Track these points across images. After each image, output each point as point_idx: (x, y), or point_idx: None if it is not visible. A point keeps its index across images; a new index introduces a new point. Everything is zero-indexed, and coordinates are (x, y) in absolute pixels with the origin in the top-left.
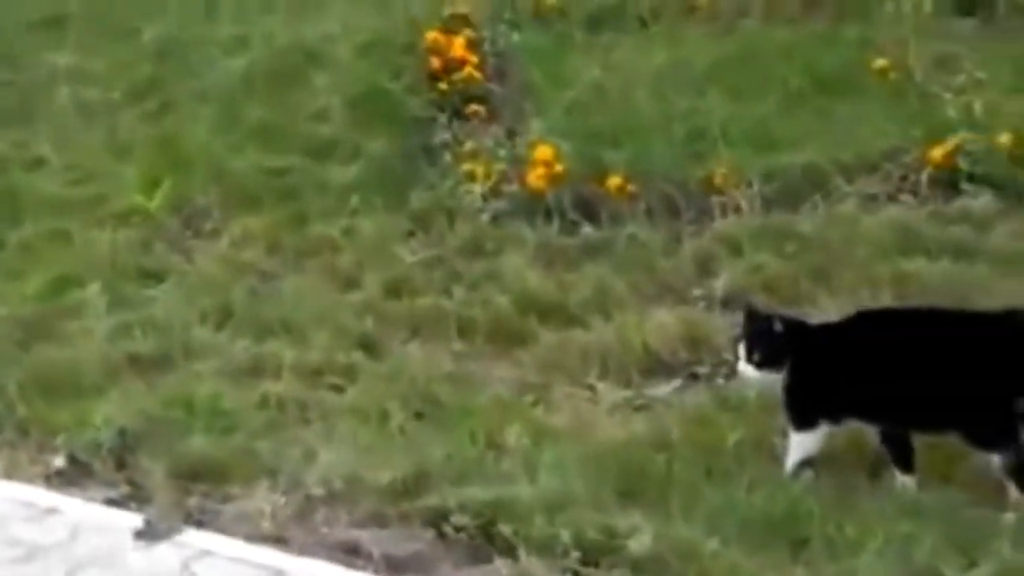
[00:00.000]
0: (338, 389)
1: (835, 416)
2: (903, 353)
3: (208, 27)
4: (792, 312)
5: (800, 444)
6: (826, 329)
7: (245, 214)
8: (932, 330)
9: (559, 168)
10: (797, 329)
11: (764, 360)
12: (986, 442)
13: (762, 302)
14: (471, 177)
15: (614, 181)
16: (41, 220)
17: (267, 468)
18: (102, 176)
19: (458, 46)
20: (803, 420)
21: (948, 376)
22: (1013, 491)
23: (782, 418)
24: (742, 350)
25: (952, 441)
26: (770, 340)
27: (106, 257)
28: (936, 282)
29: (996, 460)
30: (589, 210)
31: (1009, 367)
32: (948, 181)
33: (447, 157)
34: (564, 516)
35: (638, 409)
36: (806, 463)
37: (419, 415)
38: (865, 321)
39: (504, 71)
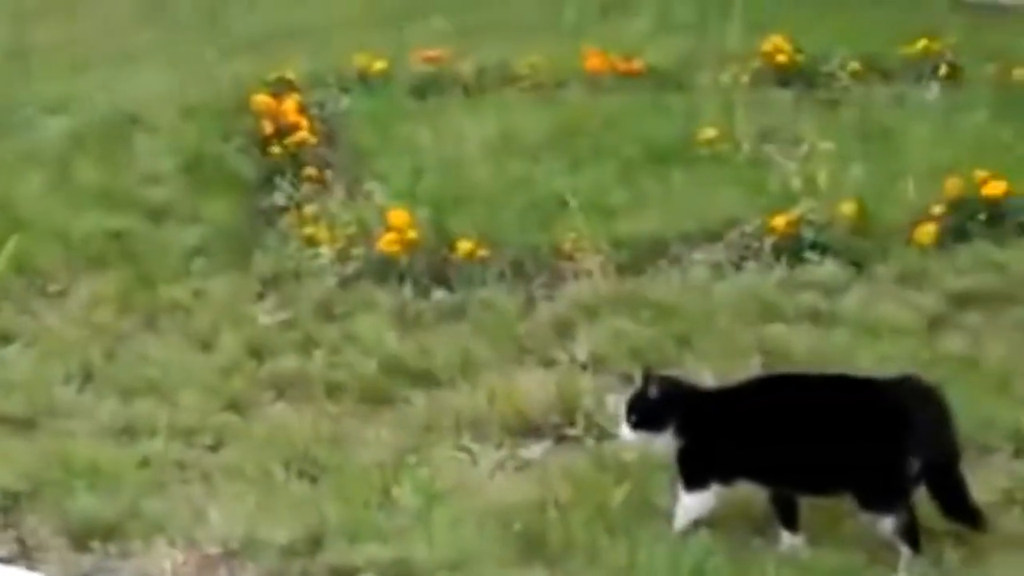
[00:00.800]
0: (213, 449)
1: (727, 477)
2: (795, 417)
3: (24, 88)
4: (686, 377)
5: (691, 504)
6: (721, 393)
7: (91, 275)
8: (824, 395)
9: (412, 233)
10: (686, 393)
11: (639, 423)
12: (877, 505)
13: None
14: (313, 240)
15: (464, 246)
16: None
17: (158, 527)
18: None
19: (290, 110)
20: (695, 481)
21: (839, 440)
22: (905, 552)
23: (672, 478)
24: (623, 412)
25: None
26: (646, 404)
27: None
28: (799, 348)
29: (887, 522)
30: (440, 274)
31: (900, 432)
32: (790, 250)
33: (287, 220)
34: (468, 574)
35: (518, 470)
36: (694, 523)
37: (302, 475)
38: (760, 385)
39: (334, 135)
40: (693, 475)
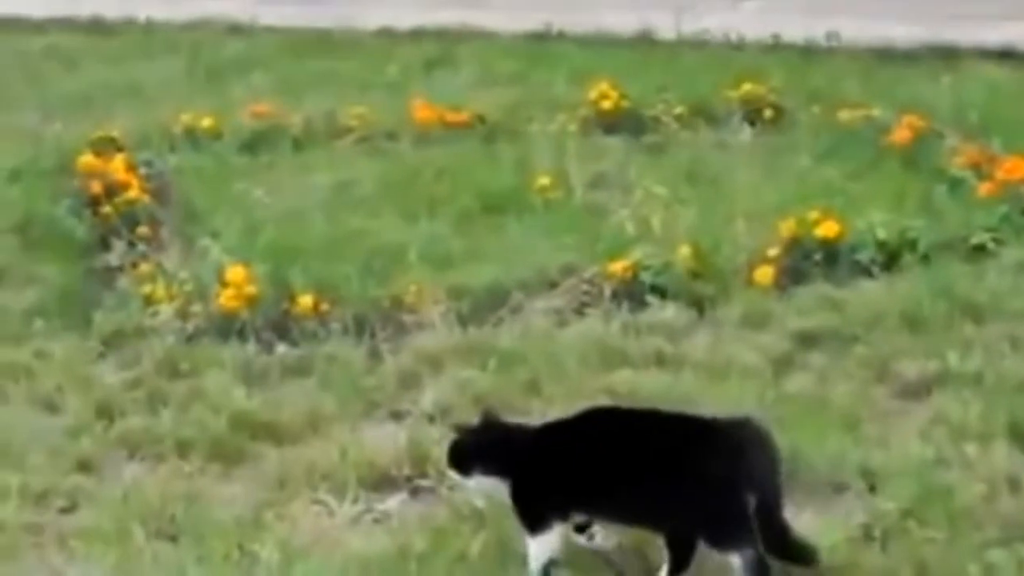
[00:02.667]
0: (67, 512)
1: (565, 513)
2: (622, 448)
3: None
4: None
5: (538, 548)
6: (551, 429)
7: None
8: (654, 427)
9: (251, 289)
10: (509, 432)
11: (454, 467)
12: (724, 542)
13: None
14: (152, 299)
15: (305, 300)
16: None
17: None
18: None
19: (118, 168)
20: (535, 522)
21: (681, 477)
22: None
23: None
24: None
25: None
26: (456, 448)
27: None
28: (647, 392)
29: (736, 561)
30: (281, 329)
31: (741, 470)
32: (630, 295)
33: (123, 280)
34: None
35: (376, 522)
36: (548, 569)
37: (160, 535)
38: (590, 419)
39: (164, 193)
40: (531, 516)
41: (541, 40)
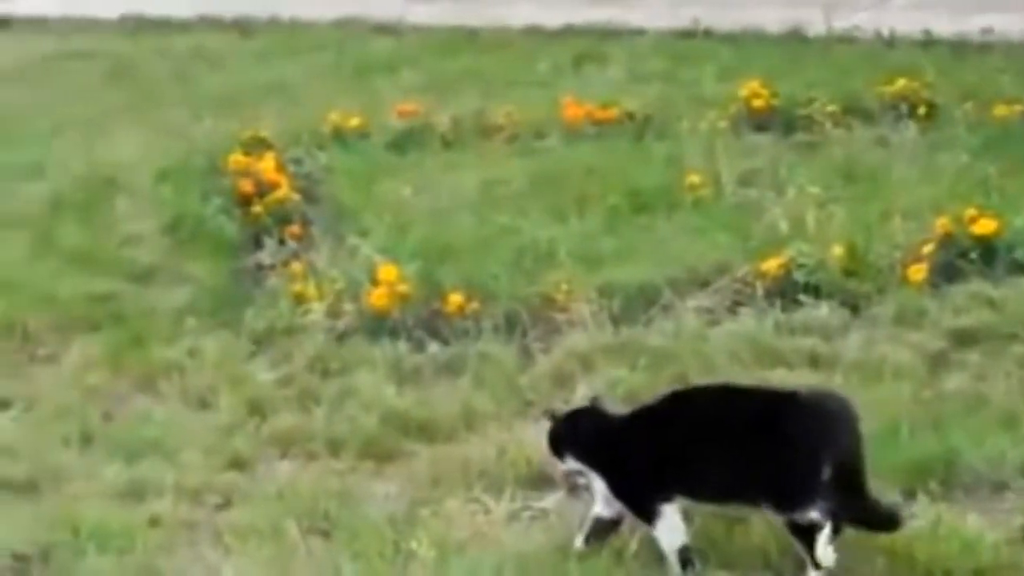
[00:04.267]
0: (222, 508)
1: (667, 496)
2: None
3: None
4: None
5: (665, 534)
6: (637, 416)
7: (80, 339)
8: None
9: (401, 287)
10: (597, 423)
11: (552, 450)
12: (791, 508)
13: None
14: (303, 297)
15: (456, 299)
16: None
17: None
18: None
19: (268, 168)
20: (645, 512)
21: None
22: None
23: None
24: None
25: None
26: (551, 434)
27: None
28: None
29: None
30: (432, 328)
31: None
32: (782, 293)
33: (273, 278)
34: None
35: (532, 520)
36: (687, 552)
37: (314, 531)
38: (674, 401)
39: (313, 192)
40: (637, 507)
41: (689, 37)
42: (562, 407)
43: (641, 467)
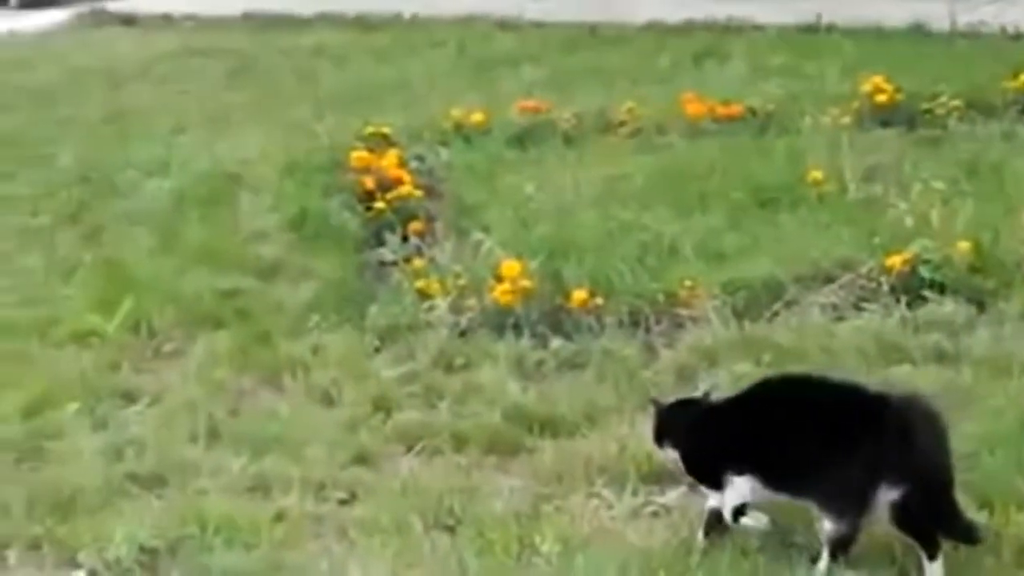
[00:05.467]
0: (347, 503)
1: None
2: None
3: (124, 151)
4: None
5: (728, 496)
6: (724, 401)
7: (206, 334)
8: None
9: (525, 283)
10: (686, 408)
11: (654, 440)
12: (828, 507)
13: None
14: (426, 293)
15: (579, 295)
16: None
17: None
18: (48, 298)
19: (391, 164)
20: (711, 481)
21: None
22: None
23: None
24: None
25: None
26: (653, 423)
27: (76, 378)
28: (926, 389)
29: (827, 527)
30: (555, 323)
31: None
32: (908, 289)
33: (397, 274)
34: None
35: (655, 515)
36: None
37: (439, 526)
38: (759, 389)
39: (435, 188)
40: (703, 477)
41: (812, 32)
42: (666, 398)
43: (712, 443)
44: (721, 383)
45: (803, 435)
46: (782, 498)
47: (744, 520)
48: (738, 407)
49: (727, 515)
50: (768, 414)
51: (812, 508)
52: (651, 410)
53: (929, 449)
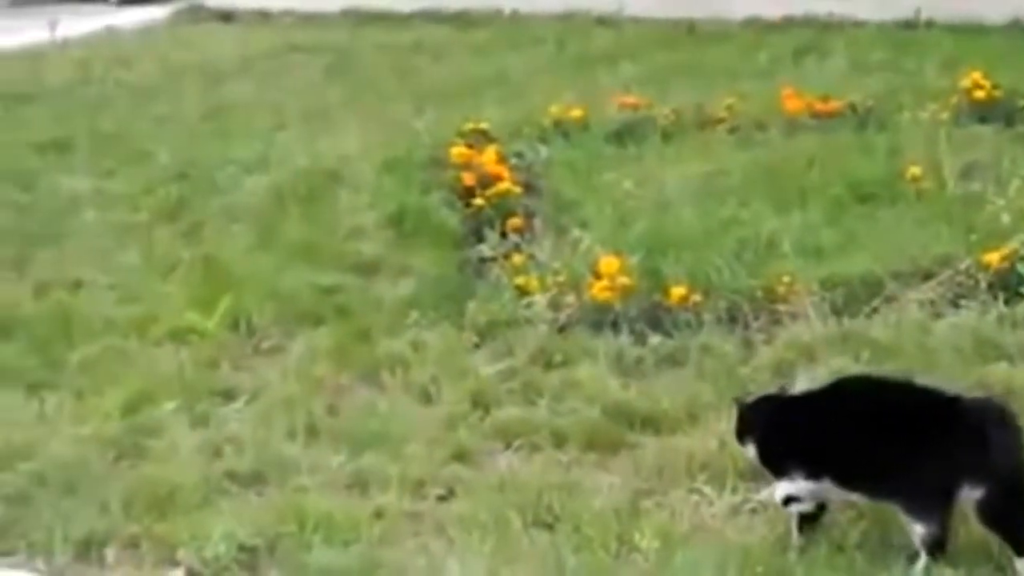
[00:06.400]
0: (445, 500)
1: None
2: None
3: (223, 147)
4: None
5: (783, 487)
6: (799, 397)
7: (305, 331)
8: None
9: (624, 280)
10: (763, 404)
11: (736, 438)
12: (915, 511)
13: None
14: (525, 289)
15: (678, 291)
16: (95, 340)
17: None
18: (147, 295)
19: (490, 160)
20: (776, 470)
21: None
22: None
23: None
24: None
25: None
26: (736, 420)
27: (175, 375)
28: (1022, 386)
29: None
30: (654, 320)
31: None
32: (1006, 286)
33: (496, 271)
34: None
35: (754, 512)
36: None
37: (538, 523)
38: (836, 388)
39: (534, 185)
40: (771, 467)
41: (910, 28)
42: (748, 394)
43: (778, 440)
44: (819, 379)
45: (879, 436)
46: (855, 498)
47: (793, 507)
48: (814, 405)
49: (777, 498)
50: (844, 413)
51: (896, 511)
52: (733, 408)
53: (1007, 449)
